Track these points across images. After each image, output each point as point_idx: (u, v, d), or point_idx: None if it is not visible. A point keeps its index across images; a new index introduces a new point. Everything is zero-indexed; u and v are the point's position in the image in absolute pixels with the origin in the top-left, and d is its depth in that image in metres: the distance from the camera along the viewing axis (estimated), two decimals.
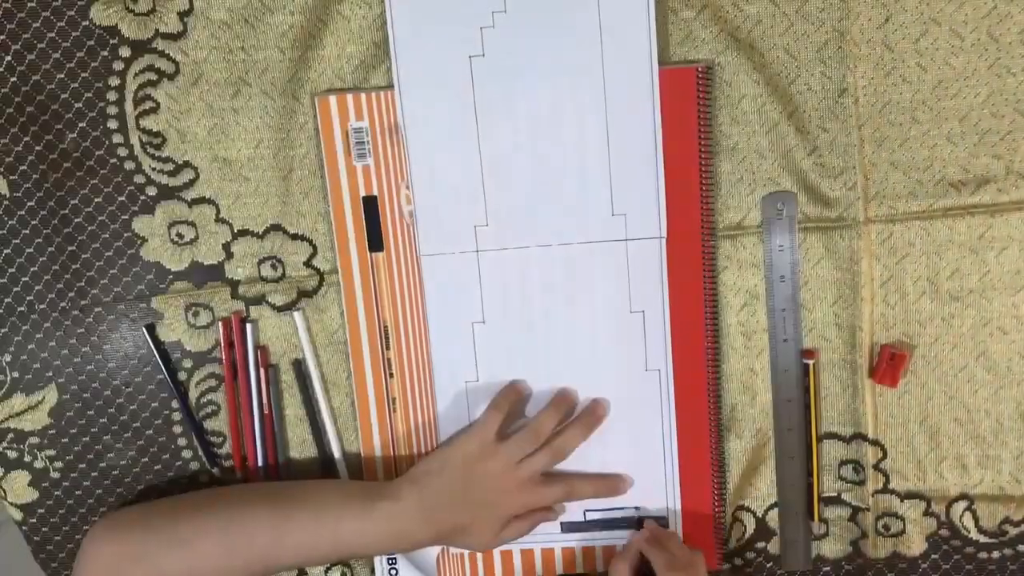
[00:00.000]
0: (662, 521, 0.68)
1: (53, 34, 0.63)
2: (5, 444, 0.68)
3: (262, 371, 0.67)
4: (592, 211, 0.64)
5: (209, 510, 0.62)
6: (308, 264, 0.67)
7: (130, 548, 0.61)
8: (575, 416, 0.66)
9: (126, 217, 0.66)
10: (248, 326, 0.67)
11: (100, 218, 0.66)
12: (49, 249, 0.66)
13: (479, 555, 0.69)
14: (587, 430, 0.66)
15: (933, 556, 0.69)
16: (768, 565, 0.70)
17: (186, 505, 0.64)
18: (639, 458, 0.68)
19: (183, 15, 0.63)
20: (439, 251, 0.65)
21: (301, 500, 0.62)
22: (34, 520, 0.70)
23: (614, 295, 0.65)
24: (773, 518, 0.69)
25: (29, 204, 0.65)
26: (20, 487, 0.69)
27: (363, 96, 0.64)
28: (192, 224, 0.66)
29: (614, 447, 0.67)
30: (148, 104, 0.64)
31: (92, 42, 0.63)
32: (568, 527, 0.69)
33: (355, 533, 0.61)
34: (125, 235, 0.66)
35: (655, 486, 0.68)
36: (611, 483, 0.67)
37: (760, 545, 0.70)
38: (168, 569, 0.60)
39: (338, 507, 0.62)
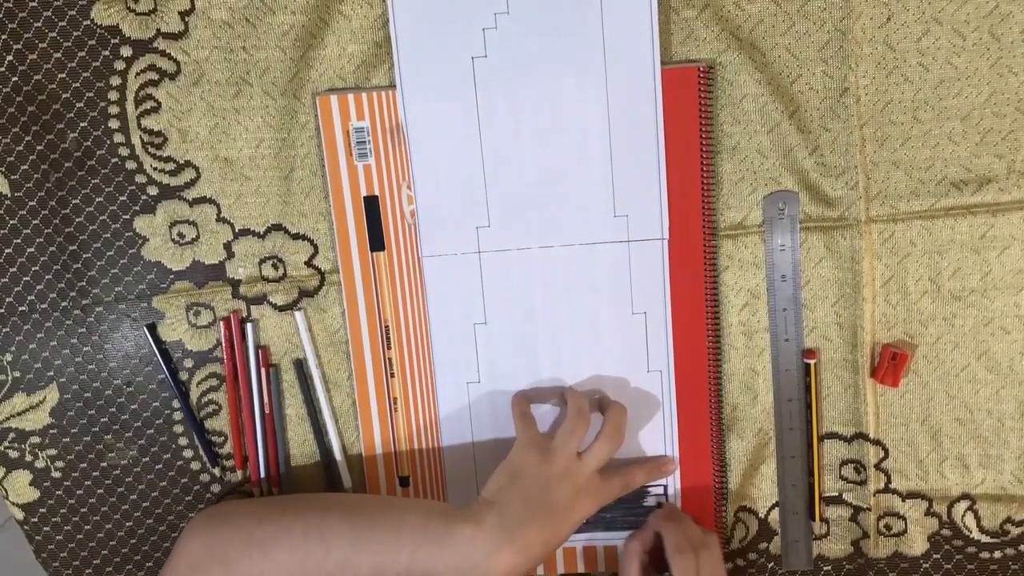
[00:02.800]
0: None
1: (54, 34, 0.63)
2: (6, 444, 0.68)
3: (263, 371, 0.67)
4: (594, 212, 0.64)
5: (292, 516, 0.61)
6: (309, 264, 0.67)
7: (215, 547, 0.60)
8: (602, 400, 0.66)
9: (127, 217, 0.66)
10: (248, 326, 0.67)
11: (101, 218, 0.66)
12: (50, 249, 0.66)
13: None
14: (624, 409, 0.64)
15: (935, 556, 0.69)
16: (770, 565, 0.70)
17: (272, 510, 0.62)
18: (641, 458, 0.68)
19: (184, 15, 0.63)
20: (441, 252, 0.65)
21: (383, 519, 0.60)
22: (35, 519, 0.70)
23: (616, 296, 0.65)
24: (774, 518, 0.69)
25: (30, 204, 0.65)
26: (21, 487, 0.69)
27: (364, 96, 0.64)
28: (193, 224, 0.66)
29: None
30: (149, 104, 0.64)
31: (93, 42, 0.63)
32: None
33: (432, 558, 0.57)
34: (126, 235, 0.66)
35: (656, 486, 0.68)
36: (660, 465, 0.67)
37: (762, 545, 0.70)
38: (246, 571, 0.59)
39: (418, 530, 0.58)
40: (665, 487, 0.68)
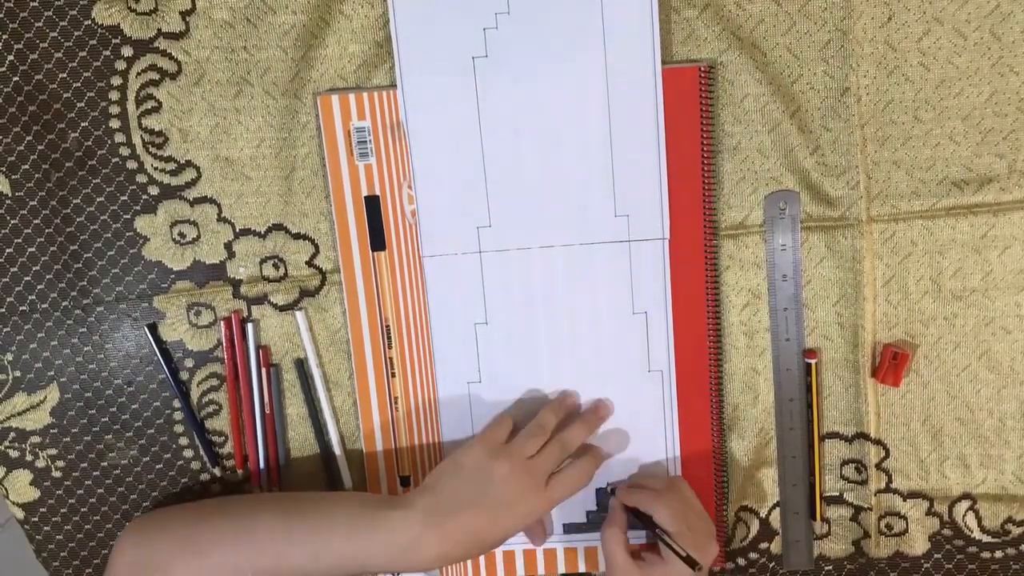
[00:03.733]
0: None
1: (55, 33, 0.63)
2: (7, 443, 0.68)
3: (264, 371, 0.67)
4: (595, 212, 0.64)
5: (223, 518, 0.62)
6: (310, 263, 0.67)
7: (152, 556, 0.61)
8: (580, 414, 0.66)
9: (128, 216, 0.66)
10: (249, 326, 0.67)
11: (102, 217, 0.66)
12: (51, 248, 0.66)
13: (481, 555, 0.69)
14: (591, 426, 0.65)
15: (936, 556, 0.69)
16: (771, 565, 0.70)
17: (204, 512, 0.63)
18: (642, 459, 0.68)
19: (185, 14, 0.63)
20: (442, 252, 0.65)
21: (312, 510, 0.61)
22: (36, 519, 0.70)
23: (617, 296, 0.65)
24: (775, 518, 0.69)
25: (31, 203, 0.65)
26: (22, 486, 0.69)
27: (365, 95, 0.64)
28: (194, 223, 0.66)
29: (617, 448, 0.67)
30: (150, 103, 0.64)
31: (94, 41, 0.63)
32: (570, 528, 0.69)
33: (364, 545, 0.59)
34: (127, 234, 0.66)
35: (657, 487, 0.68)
36: (596, 411, 0.66)
37: (763, 545, 0.70)
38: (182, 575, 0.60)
39: (349, 518, 0.60)
40: None
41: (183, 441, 0.69)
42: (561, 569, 0.70)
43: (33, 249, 0.66)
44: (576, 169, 0.64)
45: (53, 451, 0.69)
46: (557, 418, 0.65)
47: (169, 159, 0.65)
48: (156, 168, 0.65)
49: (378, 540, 0.59)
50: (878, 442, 0.67)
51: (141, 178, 0.65)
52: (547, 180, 0.64)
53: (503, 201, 0.64)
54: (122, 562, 0.61)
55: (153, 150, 0.65)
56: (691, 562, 0.59)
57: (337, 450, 0.69)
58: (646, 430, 0.67)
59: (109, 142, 0.65)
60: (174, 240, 0.66)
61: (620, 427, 0.67)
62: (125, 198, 0.66)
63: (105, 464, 0.69)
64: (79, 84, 0.64)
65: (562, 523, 0.69)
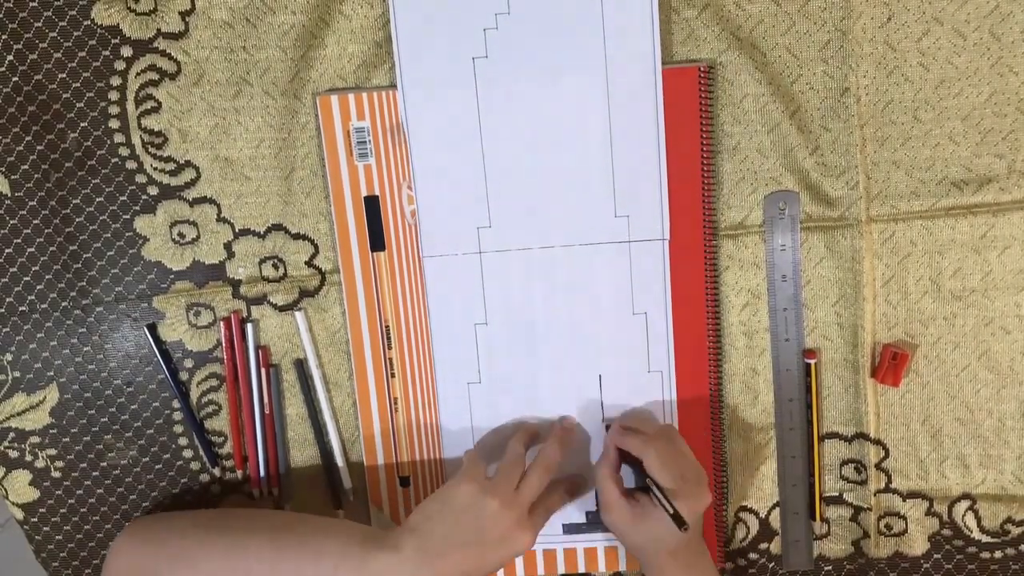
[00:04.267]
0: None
1: (55, 34, 0.63)
2: (6, 443, 0.68)
3: (263, 371, 0.67)
4: (595, 213, 0.64)
5: (217, 532, 0.61)
6: (310, 264, 0.67)
7: (145, 562, 0.61)
8: (548, 437, 0.65)
9: (127, 217, 0.66)
10: (248, 326, 0.67)
11: (101, 218, 0.66)
12: (50, 249, 0.66)
13: None
14: (562, 443, 0.64)
15: (935, 556, 0.69)
16: (770, 565, 0.70)
17: (199, 523, 0.63)
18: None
19: (184, 15, 0.63)
20: (442, 252, 0.65)
21: (301, 539, 0.60)
22: (35, 519, 0.70)
23: (617, 297, 0.65)
24: (775, 518, 0.69)
25: (31, 204, 0.65)
26: (21, 486, 0.69)
27: (364, 96, 0.64)
28: (193, 224, 0.66)
29: None
30: (150, 104, 0.64)
31: (94, 42, 0.63)
32: (570, 528, 0.69)
33: None
34: (126, 235, 0.66)
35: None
36: (565, 427, 0.66)
37: (763, 545, 0.70)
38: None
39: (336, 555, 0.58)
40: None
41: (183, 441, 0.69)
42: (561, 569, 0.70)
43: (33, 249, 0.66)
44: (576, 170, 0.64)
45: (52, 451, 0.69)
46: (523, 445, 0.64)
47: (169, 159, 0.65)
48: (156, 168, 0.65)
49: None
50: (878, 442, 0.67)
51: (140, 178, 0.65)
52: (547, 181, 0.64)
53: (503, 202, 0.64)
54: (116, 568, 0.61)
55: (153, 150, 0.65)
56: (679, 520, 0.58)
57: (336, 451, 0.69)
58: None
59: (109, 142, 0.65)
60: (174, 240, 0.66)
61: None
62: (124, 198, 0.66)
63: (104, 464, 0.69)
64: (78, 84, 0.64)
65: (562, 524, 0.69)
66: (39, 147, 0.65)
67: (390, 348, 0.67)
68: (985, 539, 0.69)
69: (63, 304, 0.67)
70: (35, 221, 0.66)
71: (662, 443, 0.61)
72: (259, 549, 0.60)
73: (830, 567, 0.70)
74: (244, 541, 0.60)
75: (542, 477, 0.62)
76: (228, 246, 0.67)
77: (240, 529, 0.62)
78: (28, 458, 0.69)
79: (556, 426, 0.66)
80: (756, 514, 0.69)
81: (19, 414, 0.68)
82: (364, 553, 0.58)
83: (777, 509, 0.69)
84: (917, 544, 0.69)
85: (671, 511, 0.58)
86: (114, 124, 0.65)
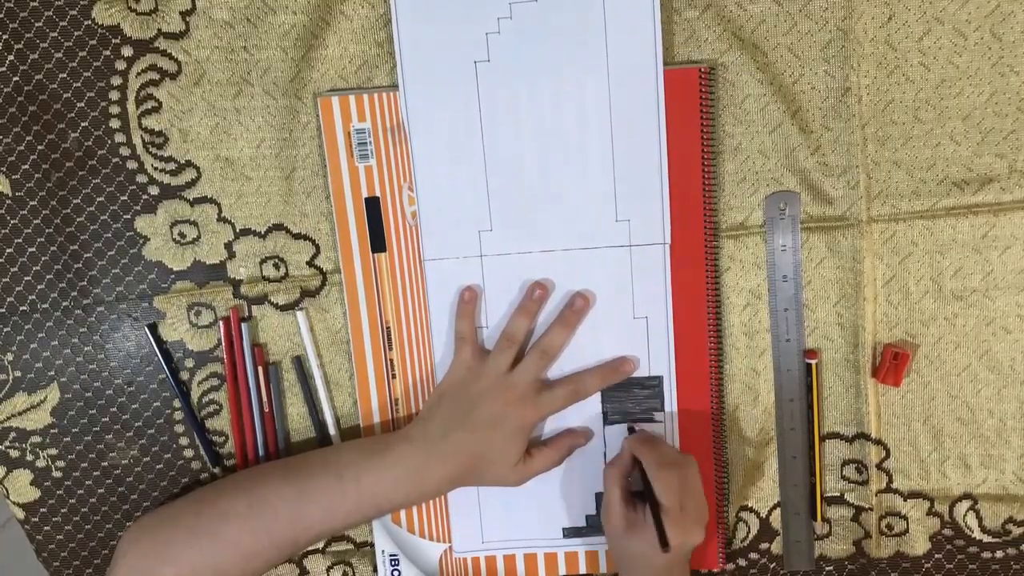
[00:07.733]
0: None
1: (55, 33, 0.63)
2: (7, 443, 0.68)
3: (259, 368, 0.67)
4: (596, 217, 0.64)
5: (230, 495, 0.62)
6: (311, 264, 0.67)
7: (159, 549, 0.60)
8: (558, 315, 0.65)
9: (128, 216, 0.66)
10: (243, 324, 0.67)
11: (102, 217, 0.66)
12: (51, 248, 0.66)
13: (481, 556, 0.69)
14: (569, 326, 0.64)
15: (936, 556, 0.69)
16: (771, 566, 0.70)
17: (208, 495, 0.63)
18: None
19: (185, 14, 0.63)
20: (443, 256, 0.65)
21: (320, 465, 0.62)
22: (36, 519, 0.70)
23: (617, 301, 0.65)
24: (776, 518, 0.69)
25: (31, 203, 0.65)
26: (22, 486, 0.69)
27: (365, 96, 0.64)
28: (194, 223, 0.66)
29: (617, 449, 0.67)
30: (150, 103, 0.64)
31: (94, 41, 0.63)
32: (570, 532, 0.69)
33: (375, 484, 0.61)
34: (127, 234, 0.66)
35: None
36: (616, 367, 0.65)
37: (763, 546, 0.70)
38: (198, 563, 0.59)
39: (356, 464, 0.62)
40: None
41: (183, 441, 0.69)
42: (562, 570, 0.70)
43: (33, 249, 0.66)
44: (577, 173, 0.64)
45: (53, 451, 0.69)
46: (525, 323, 0.64)
47: (169, 159, 0.65)
48: (156, 168, 0.65)
49: (387, 479, 0.61)
50: (879, 442, 0.67)
51: (141, 178, 0.65)
52: (548, 184, 0.64)
53: (504, 205, 0.64)
54: (125, 564, 0.61)
55: (153, 150, 0.65)
56: (663, 542, 0.58)
57: None
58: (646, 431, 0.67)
59: (109, 142, 0.65)
60: (174, 240, 0.66)
61: (620, 430, 0.67)
62: (125, 198, 0.66)
63: (105, 464, 0.69)
64: (79, 84, 0.64)
65: (562, 527, 0.69)
66: (40, 147, 0.65)
67: (391, 349, 0.67)
68: (986, 539, 0.69)
69: (64, 304, 0.67)
70: (36, 221, 0.66)
71: (676, 471, 0.61)
72: (278, 493, 0.61)
73: (831, 567, 0.70)
74: (262, 493, 0.61)
75: (538, 362, 0.64)
76: (229, 246, 0.67)
77: (253, 484, 0.62)
78: (29, 458, 0.69)
79: (566, 306, 0.65)
80: (757, 514, 0.69)
81: (20, 414, 0.68)
82: (381, 450, 0.62)
83: (778, 509, 0.69)
84: (918, 544, 0.69)
85: (657, 530, 0.59)
86: (115, 124, 0.65)
